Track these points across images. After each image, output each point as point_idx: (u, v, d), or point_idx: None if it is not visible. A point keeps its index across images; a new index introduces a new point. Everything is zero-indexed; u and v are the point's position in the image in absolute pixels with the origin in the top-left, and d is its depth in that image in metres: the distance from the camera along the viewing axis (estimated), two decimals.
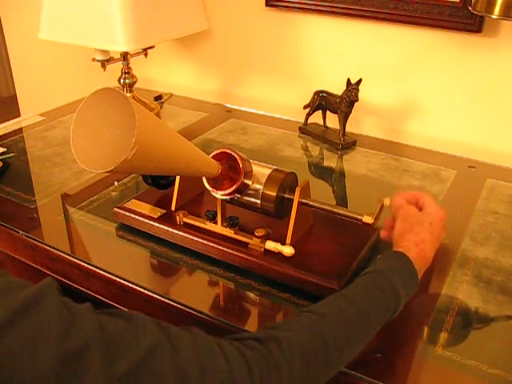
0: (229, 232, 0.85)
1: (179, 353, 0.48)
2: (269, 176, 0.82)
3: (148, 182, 0.95)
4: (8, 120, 1.45)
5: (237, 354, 0.51)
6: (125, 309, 0.84)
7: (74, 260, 0.86)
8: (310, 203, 0.83)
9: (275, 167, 0.84)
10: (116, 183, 1.09)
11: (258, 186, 0.82)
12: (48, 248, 0.89)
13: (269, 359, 0.52)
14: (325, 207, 0.83)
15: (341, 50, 1.36)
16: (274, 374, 0.52)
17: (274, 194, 0.81)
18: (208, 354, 0.50)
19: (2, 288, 0.45)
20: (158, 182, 0.95)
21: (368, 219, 0.79)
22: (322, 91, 1.28)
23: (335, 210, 0.83)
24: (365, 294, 0.63)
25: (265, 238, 0.82)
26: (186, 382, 0.47)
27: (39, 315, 0.43)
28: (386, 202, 0.81)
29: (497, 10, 0.94)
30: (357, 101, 1.20)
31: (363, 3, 1.27)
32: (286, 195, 0.83)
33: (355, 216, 0.81)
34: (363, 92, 1.19)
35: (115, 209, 0.93)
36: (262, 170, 0.83)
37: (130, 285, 0.81)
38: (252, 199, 0.82)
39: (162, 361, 0.46)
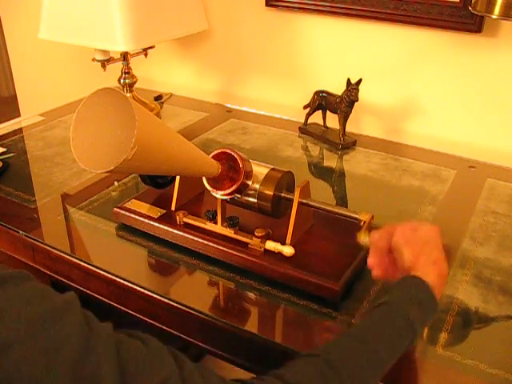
0: (229, 232, 0.85)
1: None
2: (266, 175, 0.82)
3: (146, 182, 0.95)
4: (8, 120, 1.45)
5: None
6: (125, 309, 0.84)
7: (74, 260, 0.86)
8: (310, 203, 0.83)
9: (272, 166, 0.84)
10: (116, 183, 1.09)
11: (255, 186, 0.82)
12: (48, 248, 0.89)
13: None
14: (322, 206, 0.83)
15: (341, 50, 1.36)
16: None
17: (271, 193, 0.81)
18: None
19: (26, 295, 0.44)
20: (156, 181, 0.95)
21: (365, 217, 0.79)
22: (322, 91, 1.28)
23: (333, 209, 0.83)
24: (377, 333, 0.60)
25: (265, 238, 0.82)
26: None
27: (58, 333, 0.43)
28: (363, 240, 0.75)
29: (497, 10, 0.94)
30: (357, 101, 1.20)
31: (363, 3, 1.27)
32: (283, 194, 0.83)
33: (351, 215, 0.81)
34: (363, 92, 1.19)
35: (115, 209, 0.93)
36: (259, 170, 0.83)
37: (129, 285, 0.81)
38: (250, 199, 0.83)
39: None
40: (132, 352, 0.46)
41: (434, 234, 0.71)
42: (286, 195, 0.83)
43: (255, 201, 0.82)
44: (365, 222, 0.78)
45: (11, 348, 0.40)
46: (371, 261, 0.72)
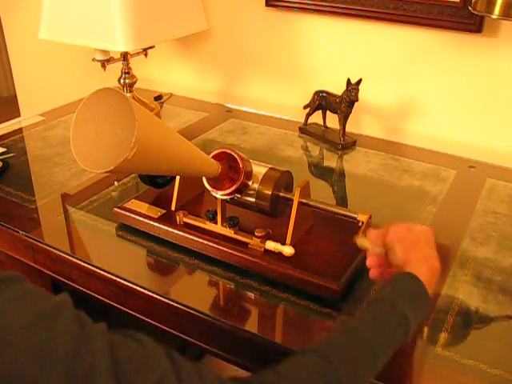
0: (229, 232, 0.85)
1: None
2: (264, 175, 0.82)
3: (145, 181, 0.95)
4: (8, 120, 1.45)
5: None
6: (125, 309, 0.84)
7: (74, 260, 0.86)
8: (309, 203, 0.83)
9: (271, 166, 0.84)
10: (116, 183, 1.09)
11: (254, 185, 0.82)
12: (48, 248, 0.89)
13: None
14: (322, 206, 0.83)
15: (341, 50, 1.36)
16: None
17: (270, 192, 0.81)
18: None
19: (19, 296, 0.44)
20: (155, 181, 0.95)
21: (362, 217, 0.79)
22: (322, 91, 1.28)
23: (332, 209, 0.83)
24: (372, 328, 0.61)
25: (265, 238, 0.82)
26: None
27: (52, 332, 0.43)
28: (363, 244, 0.75)
29: (497, 10, 0.94)
30: (357, 101, 1.20)
31: (363, 3, 1.27)
32: (281, 194, 0.83)
33: (349, 214, 0.81)
34: (363, 92, 1.19)
35: (115, 209, 0.93)
36: (257, 169, 0.83)
37: (130, 285, 0.81)
38: (248, 198, 0.83)
39: None
40: (126, 351, 0.46)
41: (427, 232, 0.72)
42: (285, 195, 0.83)
43: (254, 200, 0.82)
44: (362, 223, 0.79)
45: (5, 349, 0.41)
46: (369, 261, 0.73)
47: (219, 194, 0.80)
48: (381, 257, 0.73)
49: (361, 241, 0.75)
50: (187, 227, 0.87)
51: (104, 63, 1.38)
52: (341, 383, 0.55)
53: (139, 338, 0.49)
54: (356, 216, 0.80)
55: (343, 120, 1.25)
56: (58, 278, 0.91)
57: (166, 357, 0.48)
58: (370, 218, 0.80)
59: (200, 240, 0.85)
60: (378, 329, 0.61)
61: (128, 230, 0.92)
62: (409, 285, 0.65)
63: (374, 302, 0.64)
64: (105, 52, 1.37)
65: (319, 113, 1.32)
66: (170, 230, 0.88)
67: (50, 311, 0.44)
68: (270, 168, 0.84)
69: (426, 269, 0.67)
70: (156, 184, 0.96)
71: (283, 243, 0.81)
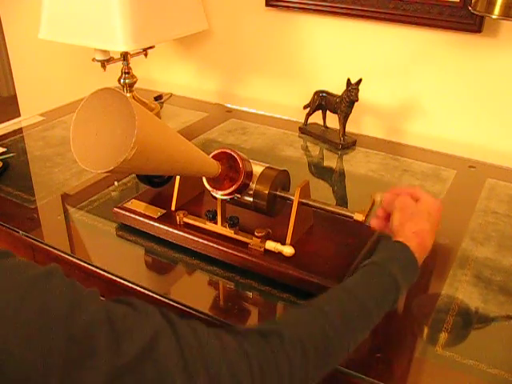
0: (229, 232, 0.85)
1: (181, 340, 0.48)
2: (261, 174, 0.82)
3: (143, 181, 0.95)
4: (8, 120, 1.45)
5: (237, 348, 0.51)
6: None
7: (74, 260, 0.86)
8: (309, 203, 0.83)
9: (268, 165, 0.84)
10: (116, 183, 1.09)
11: (251, 185, 0.82)
12: (48, 248, 0.89)
13: (269, 355, 0.52)
14: (322, 206, 0.83)
15: (341, 49, 1.36)
16: (274, 371, 0.52)
17: (266, 191, 0.81)
18: (209, 345, 0.50)
19: (9, 267, 0.45)
20: (152, 181, 0.95)
21: (359, 217, 0.79)
22: (322, 91, 1.28)
23: (331, 208, 0.83)
24: (365, 287, 0.64)
25: (265, 238, 0.82)
26: (187, 369, 0.47)
27: (47, 293, 0.44)
28: (377, 197, 0.80)
29: (497, 10, 0.94)
30: (357, 101, 1.20)
31: (363, 3, 1.27)
32: (278, 193, 0.83)
33: (346, 213, 0.81)
34: (363, 92, 1.19)
35: (115, 209, 0.93)
36: (254, 168, 0.83)
37: (130, 285, 0.81)
38: (246, 197, 0.83)
39: (166, 346, 0.47)
40: (120, 311, 0.47)
41: (433, 207, 0.74)
42: (282, 194, 0.83)
43: (251, 199, 0.82)
44: (374, 202, 0.81)
45: (3, 312, 0.41)
46: (378, 211, 0.79)
47: (219, 194, 0.80)
48: (385, 219, 0.77)
49: (377, 195, 0.79)
50: (187, 227, 0.87)
51: (104, 63, 1.38)
52: (335, 332, 0.58)
53: (131, 301, 0.50)
54: (352, 215, 0.81)
55: (343, 120, 1.25)
56: None
57: (159, 313, 0.50)
58: (366, 216, 0.80)
59: (200, 240, 0.85)
60: (370, 288, 0.64)
61: (128, 230, 0.92)
62: (398, 251, 0.69)
63: (367, 264, 0.68)
64: (105, 52, 1.37)
65: (319, 113, 1.32)
66: (170, 230, 0.88)
67: (43, 274, 0.46)
68: (267, 167, 0.84)
69: (415, 242, 0.70)
70: (154, 183, 0.96)
71: (283, 243, 0.81)
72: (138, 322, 0.47)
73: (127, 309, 0.48)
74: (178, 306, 0.77)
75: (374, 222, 0.79)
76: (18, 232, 0.93)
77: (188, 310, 0.76)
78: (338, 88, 1.24)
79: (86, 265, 0.85)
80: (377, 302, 0.63)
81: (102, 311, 0.46)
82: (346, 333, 0.59)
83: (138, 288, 0.80)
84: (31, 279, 0.44)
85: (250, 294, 0.79)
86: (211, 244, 0.84)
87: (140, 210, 0.92)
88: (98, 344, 0.43)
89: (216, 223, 0.86)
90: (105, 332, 0.44)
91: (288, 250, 0.79)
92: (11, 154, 1.21)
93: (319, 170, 1.20)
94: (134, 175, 1.12)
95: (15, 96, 2.14)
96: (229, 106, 1.54)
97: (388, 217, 0.76)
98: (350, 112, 1.23)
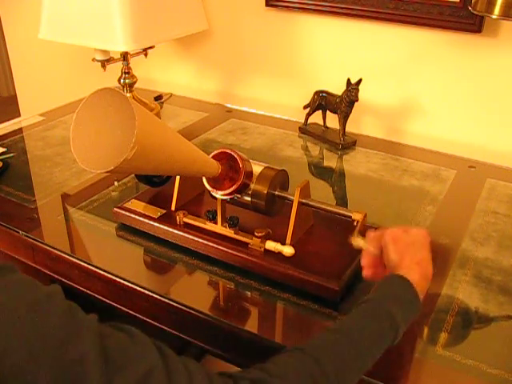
0: (229, 232, 0.85)
1: (172, 375, 0.47)
2: (259, 174, 0.82)
3: (142, 180, 0.95)
4: (8, 120, 1.45)
5: None
6: (125, 309, 0.84)
7: (74, 260, 0.86)
8: (309, 203, 0.83)
9: (266, 165, 0.84)
10: (116, 183, 1.09)
11: (250, 184, 0.82)
12: (48, 248, 0.89)
13: None
14: (321, 206, 0.83)
15: (341, 49, 1.36)
16: None
17: (265, 191, 0.81)
18: None
19: (11, 284, 0.45)
20: (151, 180, 0.95)
21: (357, 216, 0.79)
22: (322, 91, 1.28)
23: (330, 208, 0.83)
24: (361, 328, 0.61)
25: (265, 238, 0.82)
26: None
27: (43, 320, 0.43)
28: (357, 243, 0.75)
29: (497, 10, 0.94)
30: (357, 101, 1.20)
31: (363, 3, 1.27)
32: (276, 192, 0.83)
33: (346, 213, 0.81)
34: (363, 92, 1.19)
35: (115, 209, 0.93)
36: (253, 168, 0.83)
37: (130, 285, 0.81)
38: (244, 197, 0.83)
39: (158, 383, 0.46)
40: (116, 341, 0.46)
41: (422, 236, 0.72)
42: (280, 193, 0.83)
43: (249, 199, 0.82)
44: (358, 222, 0.79)
45: None
46: (364, 260, 0.74)
47: (219, 194, 0.80)
48: (376, 257, 0.73)
49: (356, 240, 0.75)
50: (187, 227, 0.87)
51: (104, 63, 1.38)
52: (327, 381, 0.55)
53: (128, 329, 0.49)
54: (350, 214, 0.81)
55: (343, 120, 1.25)
56: (58, 278, 0.91)
57: (155, 348, 0.49)
58: (365, 216, 0.80)
59: (200, 240, 0.85)
60: (367, 331, 0.61)
61: (128, 230, 0.92)
62: (400, 288, 0.66)
63: (363, 303, 0.65)
64: (105, 52, 1.37)
65: (319, 113, 1.32)
66: (170, 230, 0.88)
67: (41, 299, 0.45)
68: (266, 167, 0.84)
69: (417, 273, 0.67)
70: (153, 183, 0.96)
71: (283, 243, 0.81)
72: (132, 357, 0.46)
73: (124, 338, 0.47)
74: (178, 305, 0.77)
75: (366, 273, 0.73)
76: (18, 232, 0.93)
77: (188, 310, 0.76)
78: (337, 88, 1.24)
79: (85, 265, 0.85)
80: (374, 342, 0.61)
81: (96, 341, 0.44)
82: (340, 379, 0.57)
83: (138, 288, 0.80)
84: (29, 304, 0.44)
85: (250, 294, 0.79)
86: (211, 244, 0.84)
87: (140, 210, 0.92)
88: (89, 379, 0.43)
89: (216, 223, 0.86)
90: (98, 367, 0.43)
91: (288, 250, 0.79)
92: (11, 154, 1.21)
93: (319, 170, 1.20)
94: (133, 175, 1.12)
95: (15, 96, 2.14)
96: (229, 106, 1.54)
97: (376, 264, 0.73)
98: (350, 112, 1.23)
